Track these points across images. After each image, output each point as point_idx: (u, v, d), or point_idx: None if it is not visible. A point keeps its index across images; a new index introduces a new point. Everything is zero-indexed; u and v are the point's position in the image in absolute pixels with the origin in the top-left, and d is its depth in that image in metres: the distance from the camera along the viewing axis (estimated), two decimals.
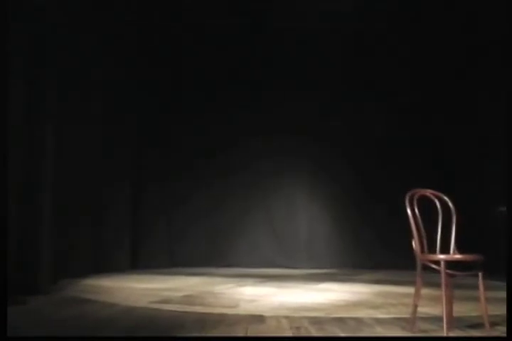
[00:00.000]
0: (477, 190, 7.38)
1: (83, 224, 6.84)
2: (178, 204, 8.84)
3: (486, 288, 3.20)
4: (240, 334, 3.20)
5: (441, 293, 3.08)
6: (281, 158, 8.85)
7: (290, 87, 8.82)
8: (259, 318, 3.74)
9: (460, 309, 3.83)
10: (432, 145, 8.62)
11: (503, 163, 5.07)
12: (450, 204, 3.38)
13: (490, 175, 7.06)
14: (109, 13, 7.42)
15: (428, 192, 3.45)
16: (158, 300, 4.68)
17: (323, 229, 8.87)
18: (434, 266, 3.18)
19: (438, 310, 3.52)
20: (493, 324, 3.32)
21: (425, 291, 3.47)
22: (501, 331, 3.20)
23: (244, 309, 4.24)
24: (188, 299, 4.88)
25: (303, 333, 3.24)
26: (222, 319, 3.71)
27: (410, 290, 3.62)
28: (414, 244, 3.29)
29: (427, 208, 3.40)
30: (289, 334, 3.22)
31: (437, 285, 3.15)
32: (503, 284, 3.47)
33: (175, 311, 4.10)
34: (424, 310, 3.79)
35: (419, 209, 3.35)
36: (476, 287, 3.19)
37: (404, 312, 3.79)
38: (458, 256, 3.21)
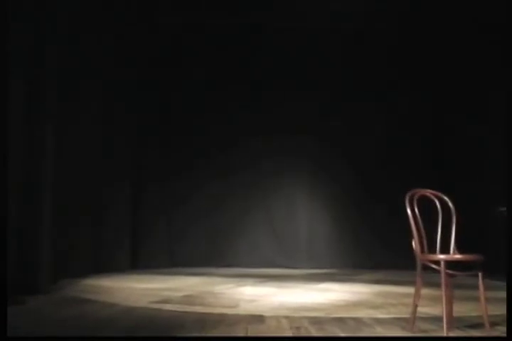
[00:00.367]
0: (477, 190, 7.38)
1: (83, 224, 6.83)
2: (178, 204, 8.83)
3: (486, 288, 3.21)
4: (240, 334, 3.20)
5: (441, 293, 3.08)
6: (281, 158, 8.85)
7: (290, 87, 8.82)
8: (259, 318, 3.74)
9: (460, 309, 3.83)
10: (432, 145, 8.63)
11: (503, 163, 5.08)
12: (450, 204, 3.38)
13: (490, 175, 7.06)
14: (109, 13, 7.42)
15: (428, 192, 3.45)
16: (158, 300, 4.68)
17: (323, 229, 8.87)
18: (434, 266, 3.18)
19: (438, 310, 3.52)
20: (493, 324, 3.32)
21: (425, 291, 3.47)
22: (501, 331, 3.20)
23: (244, 309, 4.24)
24: (188, 299, 4.88)
25: (303, 333, 3.24)
26: (222, 319, 3.71)
27: (410, 290, 3.62)
28: (414, 244, 3.29)
29: (427, 208, 3.40)
30: (289, 334, 3.22)
31: (437, 285, 3.15)
32: (503, 284, 3.47)
33: (175, 311, 4.10)
34: (424, 310, 3.79)
35: (419, 209, 3.35)
36: (476, 287, 3.19)
37: (404, 312, 3.79)
38: (458, 256, 3.21)
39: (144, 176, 8.67)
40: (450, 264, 3.15)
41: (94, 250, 7.10)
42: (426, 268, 3.26)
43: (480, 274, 3.16)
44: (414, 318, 3.32)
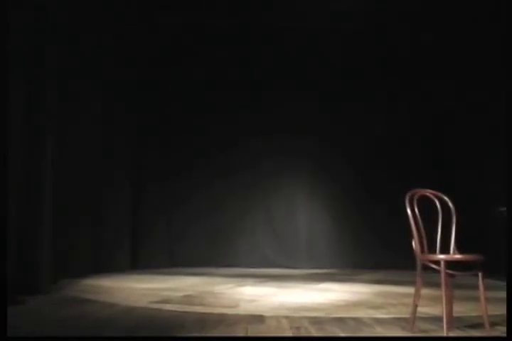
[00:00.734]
0: (477, 190, 7.38)
1: (83, 224, 6.83)
2: (178, 204, 8.83)
3: (486, 288, 3.20)
4: (240, 334, 3.20)
5: (441, 293, 3.08)
6: (281, 158, 8.86)
7: (290, 87, 8.82)
8: (259, 318, 3.74)
9: (460, 309, 3.83)
10: (432, 145, 8.63)
11: (503, 163, 5.07)
12: (450, 204, 3.38)
13: (490, 175, 7.06)
14: (109, 13, 7.42)
15: (428, 192, 3.45)
16: (158, 300, 4.68)
17: (323, 229, 8.87)
18: (434, 266, 3.18)
19: (438, 310, 3.52)
20: (493, 324, 3.32)
21: (425, 291, 3.47)
22: (501, 331, 3.20)
23: (244, 309, 4.24)
24: (188, 299, 4.88)
25: (303, 333, 3.24)
26: (222, 319, 3.71)
27: (410, 290, 3.62)
28: (414, 244, 3.29)
29: (427, 208, 3.40)
30: (289, 334, 3.22)
31: (437, 285, 3.15)
32: (503, 284, 3.47)
33: (175, 311, 4.10)
34: (424, 310, 3.79)
35: (419, 209, 3.35)
36: (476, 287, 3.19)
37: (404, 312, 3.78)
38: (458, 256, 3.21)
39: (144, 176, 8.68)
40: (450, 264, 3.15)
41: (94, 250, 7.11)
42: (426, 268, 3.26)
43: (480, 274, 3.15)
44: (414, 318, 3.32)
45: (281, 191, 9.01)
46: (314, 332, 3.25)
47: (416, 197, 3.39)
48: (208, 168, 8.82)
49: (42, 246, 5.04)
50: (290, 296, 5.17)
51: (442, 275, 3.09)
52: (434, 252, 3.32)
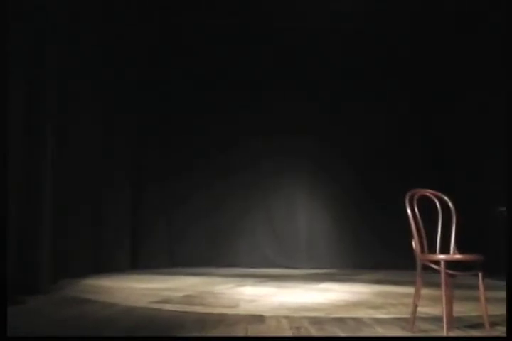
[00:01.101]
0: (477, 190, 7.38)
1: (83, 224, 6.83)
2: (178, 204, 8.84)
3: (486, 288, 3.20)
4: (240, 334, 3.20)
5: (441, 293, 3.08)
6: (281, 158, 8.86)
7: (290, 87, 8.83)
8: (259, 318, 3.74)
9: (460, 309, 3.83)
10: (432, 145, 8.63)
11: (503, 163, 5.07)
12: (450, 204, 3.38)
13: (490, 175, 7.06)
14: (109, 13, 7.42)
15: (428, 192, 3.45)
16: (158, 300, 4.68)
17: (323, 229, 8.87)
18: (434, 266, 3.17)
19: (438, 310, 3.52)
20: (493, 324, 3.32)
21: (425, 291, 3.47)
22: (501, 331, 3.20)
23: (244, 309, 4.24)
24: (188, 299, 4.88)
25: (303, 333, 3.24)
26: (222, 319, 3.71)
27: (410, 290, 3.61)
28: (414, 244, 3.29)
29: (427, 208, 3.40)
30: (289, 334, 3.22)
31: (437, 285, 3.15)
32: (503, 284, 3.47)
33: (175, 311, 4.10)
34: (424, 310, 3.79)
35: (419, 209, 3.35)
36: (476, 287, 3.19)
37: (404, 312, 3.78)
38: (458, 256, 3.21)
39: (144, 176, 8.68)
40: (450, 264, 3.15)
41: (94, 250, 7.11)
42: (426, 268, 3.26)
43: (480, 274, 3.15)
44: (414, 318, 3.32)
45: (281, 191, 9.01)
46: (314, 332, 3.25)
47: (416, 197, 3.39)
48: (208, 168, 8.82)
49: (42, 246, 5.04)
50: (290, 296, 5.17)
51: (442, 275, 3.09)
52: (434, 252, 3.32)
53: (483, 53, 7.47)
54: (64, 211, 5.89)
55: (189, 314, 3.95)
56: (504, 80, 6.09)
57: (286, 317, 3.81)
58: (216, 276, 7.11)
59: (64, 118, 5.87)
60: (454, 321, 3.36)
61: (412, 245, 3.31)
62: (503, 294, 3.36)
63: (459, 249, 3.36)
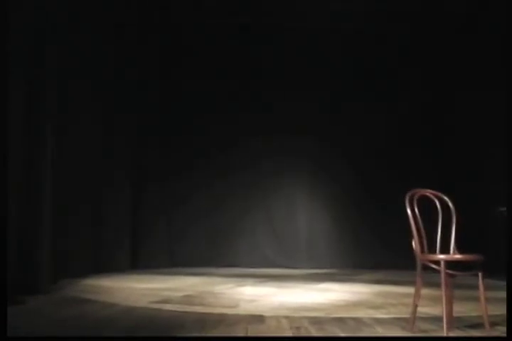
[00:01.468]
0: (477, 190, 7.38)
1: (83, 224, 6.83)
2: (178, 204, 8.83)
3: (486, 288, 3.20)
4: (240, 334, 3.20)
5: (441, 293, 3.08)
6: (281, 158, 8.85)
7: (290, 87, 8.82)
8: (259, 318, 3.74)
9: (460, 309, 3.83)
10: (432, 145, 8.63)
11: (503, 163, 5.07)
12: (450, 204, 3.38)
13: (490, 175, 7.06)
14: (109, 13, 7.42)
15: (428, 192, 3.45)
16: (158, 300, 4.68)
17: (323, 229, 8.87)
18: (434, 266, 3.18)
19: (438, 310, 3.52)
20: (493, 324, 3.32)
21: (425, 291, 3.47)
22: (501, 331, 3.20)
23: (244, 309, 4.24)
24: (188, 299, 4.88)
25: (303, 333, 3.24)
26: (222, 319, 3.71)
27: (410, 290, 3.62)
28: (414, 244, 3.29)
29: (427, 208, 3.40)
30: (289, 334, 3.22)
31: (437, 285, 3.15)
32: (503, 284, 3.47)
33: (175, 311, 4.10)
34: (424, 310, 3.79)
35: (419, 209, 3.35)
36: (476, 287, 3.19)
37: (404, 312, 3.78)
38: (458, 256, 3.21)
39: (144, 176, 8.67)
40: (450, 264, 3.15)
41: (94, 250, 7.10)
42: (426, 268, 3.26)
43: (480, 274, 3.15)
44: (414, 318, 3.32)
45: (281, 191, 9.01)
46: (314, 332, 3.25)
47: (416, 197, 3.39)
48: (208, 168, 8.82)
49: (42, 246, 5.03)
50: (290, 296, 5.16)
51: (442, 275, 3.09)
52: (434, 252, 3.32)
53: (483, 53, 7.47)
54: (64, 211, 5.89)
55: (189, 314, 3.95)
56: (504, 80, 6.09)
57: (286, 317, 3.81)
58: (216, 276, 7.11)
59: (64, 118, 5.87)
60: (454, 321, 3.36)
61: (412, 245, 3.31)
62: (503, 294, 3.37)
63: (459, 249, 3.36)
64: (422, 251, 3.30)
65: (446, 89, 8.46)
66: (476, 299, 3.31)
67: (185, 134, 8.93)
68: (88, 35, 6.86)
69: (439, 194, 3.45)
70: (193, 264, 8.42)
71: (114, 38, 7.78)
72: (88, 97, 6.94)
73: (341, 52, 8.72)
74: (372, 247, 8.34)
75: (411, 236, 3.30)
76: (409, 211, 3.32)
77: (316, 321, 3.62)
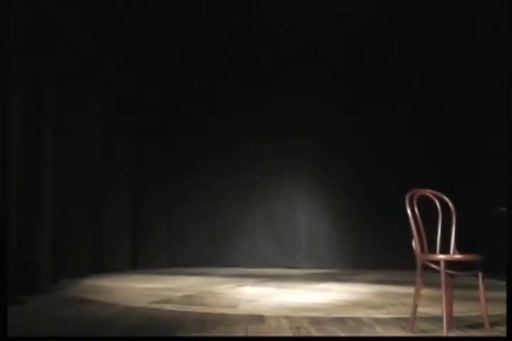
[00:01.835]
0: (477, 190, 7.38)
1: (83, 224, 6.83)
2: (178, 204, 8.84)
3: (486, 288, 3.20)
4: (240, 334, 3.20)
5: (441, 293, 3.08)
6: (281, 158, 8.85)
7: (290, 87, 8.82)
8: (259, 318, 3.74)
9: (460, 309, 3.83)
10: (432, 145, 8.63)
11: (503, 163, 5.07)
12: (450, 204, 3.38)
13: (490, 175, 7.06)
14: (109, 13, 7.42)
15: (428, 192, 3.45)
16: (158, 300, 4.68)
17: (323, 229, 8.87)
18: (434, 266, 3.18)
19: (438, 310, 3.52)
20: (493, 324, 3.32)
21: (425, 291, 3.47)
22: (501, 331, 3.20)
23: (244, 309, 4.24)
24: (188, 299, 4.88)
25: (303, 333, 3.24)
26: (222, 319, 3.71)
27: (410, 290, 3.62)
28: (414, 244, 3.29)
29: (427, 208, 3.40)
30: (289, 334, 3.22)
31: (437, 285, 3.15)
32: (503, 284, 3.47)
33: (175, 311, 4.10)
34: (424, 310, 3.79)
35: (419, 209, 3.35)
36: (476, 287, 3.19)
37: (404, 312, 3.78)
38: (458, 256, 3.21)
39: (144, 176, 8.67)
40: (450, 264, 3.15)
41: (94, 250, 7.11)
42: (426, 268, 3.26)
43: (480, 274, 3.15)
44: (414, 318, 3.32)
45: (281, 191, 9.01)
46: (314, 332, 3.25)
47: (416, 197, 3.39)
48: (208, 168, 8.82)
49: (42, 246, 5.04)
50: (290, 296, 5.17)
51: (442, 275, 3.09)
52: (434, 252, 3.32)
53: (483, 53, 7.47)
54: (64, 211, 5.89)
55: (189, 314, 3.95)
56: (504, 80, 6.09)
57: (286, 317, 3.81)
58: (216, 276, 7.11)
59: (64, 118, 5.87)
60: (454, 321, 3.36)
61: (412, 245, 3.31)
62: (503, 294, 3.37)
63: (459, 249, 3.36)
64: (422, 251, 3.30)
65: (446, 89, 8.45)
66: (476, 299, 3.31)
67: (185, 134, 8.93)
68: (88, 35, 6.86)
69: (439, 194, 3.45)
70: (193, 264, 8.42)
71: (114, 38, 7.78)
72: (88, 97, 6.94)
73: (341, 52, 8.72)
74: (372, 247, 8.34)
75: (411, 236, 3.30)
76: (409, 211, 3.32)
77: (316, 321, 3.62)
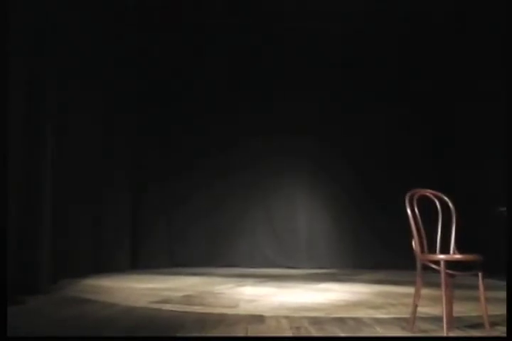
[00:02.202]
0: (477, 190, 7.38)
1: (83, 224, 6.83)
2: (178, 204, 8.84)
3: (486, 288, 3.20)
4: (240, 334, 3.20)
5: (441, 293, 3.08)
6: (281, 158, 8.86)
7: (290, 87, 8.82)
8: (259, 318, 3.74)
9: (460, 309, 3.83)
10: (432, 145, 8.63)
11: (503, 163, 5.07)
12: (450, 204, 3.38)
13: (490, 175, 7.06)
14: (109, 13, 7.42)
15: (428, 192, 3.45)
16: (158, 300, 4.68)
17: (323, 229, 8.87)
18: (434, 266, 3.18)
19: (438, 310, 3.52)
20: (493, 324, 3.32)
21: (425, 291, 3.47)
22: (501, 331, 3.20)
23: (244, 309, 4.24)
24: (188, 299, 4.88)
25: (303, 333, 3.24)
26: (222, 319, 3.71)
27: (410, 290, 3.62)
28: (414, 244, 3.29)
29: (427, 208, 3.40)
30: (289, 334, 3.22)
31: (437, 285, 3.15)
32: (503, 284, 3.47)
33: (175, 311, 4.10)
34: (424, 310, 3.79)
35: (419, 209, 3.35)
36: (476, 287, 3.19)
37: (404, 312, 3.78)
38: (458, 256, 3.21)
39: (144, 176, 8.68)
40: (450, 264, 3.15)
41: (94, 250, 7.11)
42: (426, 268, 3.26)
43: (480, 274, 3.15)
44: (414, 318, 3.32)
45: (281, 191, 9.01)
46: (314, 332, 3.25)
47: (416, 197, 3.39)
48: (208, 168, 8.82)
49: (42, 246, 5.04)
50: (290, 296, 5.17)
51: (442, 275, 3.09)
52: (434, 252, 3.32)
53: (483, 53, 7.47)
54: (64, 211, 5.89)
55: (189, 314, 3.95)
56: (504, 80, 6.09)
57: (286, 317, 3.81)
58: (216, 276, 7.11)
59: (64, 118, 5.87)
60: (454, 321, 3.36)
61: (412, 245, 3.31)
62: (503, 294, 3.37)
63: (459, 249, 3.36)
64: (422, 251, 3.30)
65: (446, 88, 8.45)
66: (476, 299, 3.31)
67: (185, 134, 8.93)
68: (88, 35, 6.86)
69: (439, 194, 3.45)
70: (193, 264, 8.42)
71: (114, 38, 7.78)
72: (88, 97, 6.94)
73: (341, 52, 8.72)
74: (372, 247, 8.34)
75: (411, 236, 3.30)
76: (409, 211, 3.32)
77: (316, 321, 3.62)
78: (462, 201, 3.75)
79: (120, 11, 7.68)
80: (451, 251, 3.34)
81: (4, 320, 2.78)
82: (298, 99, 8.78)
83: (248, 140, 8.84)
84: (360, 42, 8.60)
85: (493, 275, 4.25)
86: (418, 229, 3.30)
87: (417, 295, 3.32)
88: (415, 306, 3.33)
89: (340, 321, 3.64)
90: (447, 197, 3.42)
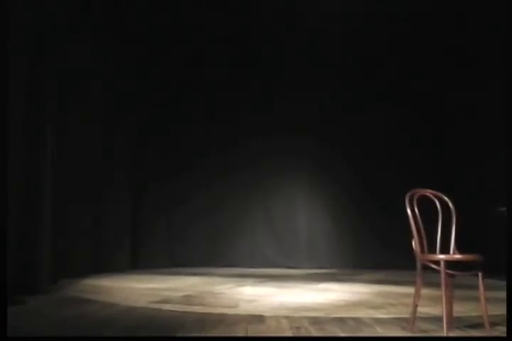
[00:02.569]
0: (477, 190, 7.38)
1: (83, 224, 6.83)
2: (178, 204, 8.84)
3: (486, 288, 3.20)
4: (240, 334, 3.20)
5: (441, 293, 3.08)
6: (281, 158, 8.86)
7: (290, 87, 8.83)
8: (259, 318, 3.74)
9: (460, 309, 3.83)
10: (432, 145, 8.63)
11: (503, 163, 5.07)
12: (450, 204, 3.38)
13: (490, 175, 7.06)
14: (109, 13, 7.42)
15: (428, 192, 3.45)
16: (158, 300, 4.68)
17: (323, 229, 8.87)
18: (434, 266, 3.17)
19: (438, 310, 3.52)
20: (493, 324, 3.32)
21: (425, 291, 3.47)
22: (501, 331, 3.20)
23: (244, 309, 4.24)
24: (188, 299, 4.88)
25: (303, 333, 3.24)
26: (222, 319, 3.71)
27: (410, 290, 3.62)
28: (414, 244, 3.29)
29: (427, 208, 3.40)
30: (289, 334, 3.22)
31: (437, 285, 3.15)
32: (503, 284, 3.47)
33: (175, 311, 4.10)
34: (424, 310, 3.79)
35: (419, 209, 3.35)
36: (476, 287, 3.19)
37: (404, 312, 3.78)
38: (458, 256, 3.21)
39: (144, 176, 8.68)
40: (450, 264, 3.15)
41: (94, 250, 7.11)
42: (426, 268, 3.26)
43: (480, 274, 3.15)
44: (414, 318, 3.32)
45: (281, 191, 9.02)
46: (314, 332, 3.25)
47: (416, 197, 3.39)
48: (208, 168, 8.83)
49: (42, 246, 5.03)
50: (290, 296, 5.16)
51: (442, 275, 3.09)
52: (434, 252, 3.32)
53: (483, 53, 7.47)
54: (64, 211, 5.89)
55: (189, 314, 3.95)
56: (504, 80, 6.09)
57: (286, 317, 3.81)
58: (216, 276, 7.11)
59: (64, 118, 5.87)
60: (454, 321, 3.36)
61: (412, 245, 3.31)
62: (503, 294, 3.37)
63: (459, 249, 3.36)
64: (422, 251, 3.30)
65: (446, 89, 8.45)
66: (476, 299, 3.31)
67: (185, 134, 8.94)
68: (88, 36, 6.86)
69: (439, 194, 3.45)
70: (193, 264, 8.43)
71: (114, 38, 7.78)
72: (88, 97, 6.94)
73: (341, 52, 8.72)
74: (372, 247, 8.34)
75: (411, 236, 3.30)
76: (409, 211, 3.32)
77: (316, 321, 3.62)
78: (462, 201, 3.75)
79: (120, 10, 7.68)
80: (451, 251, 3.34)
81: (4, 320, 2.78)
82: (298, 99, 8.79)
83: (248, 140, 8.85)
84: (360, 42, 8.60)
85: (493, 275, 4.25)
86: (418, 229, 3.30)
87: (417, 295, 3.32)
88: (415, 306, 3.33)
89: (340, 321, 3.63)
90: (447, 197, 3.42)
